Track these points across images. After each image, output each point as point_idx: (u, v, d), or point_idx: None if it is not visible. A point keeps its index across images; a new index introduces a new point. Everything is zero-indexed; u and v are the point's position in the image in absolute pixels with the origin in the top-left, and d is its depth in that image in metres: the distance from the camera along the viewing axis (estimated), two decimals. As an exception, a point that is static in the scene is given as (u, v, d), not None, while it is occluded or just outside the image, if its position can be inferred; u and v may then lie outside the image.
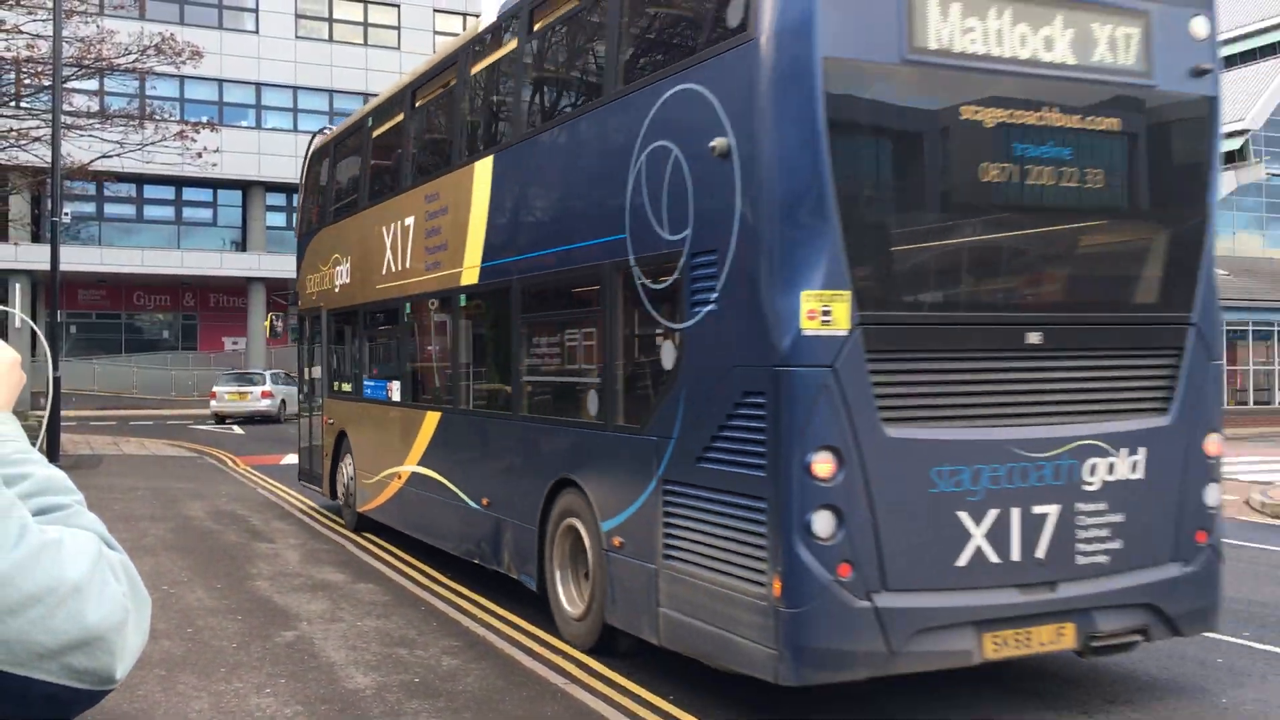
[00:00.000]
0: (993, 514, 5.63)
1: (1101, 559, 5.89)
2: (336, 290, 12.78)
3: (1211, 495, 6.27)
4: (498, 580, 9.31)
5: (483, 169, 8.75)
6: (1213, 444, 6.29)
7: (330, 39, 43.16)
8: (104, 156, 24.72)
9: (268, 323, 17.87)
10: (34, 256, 36.75)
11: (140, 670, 6.30)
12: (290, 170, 41.84)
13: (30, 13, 23.29)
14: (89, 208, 40.46)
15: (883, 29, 5.52)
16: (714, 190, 5.80)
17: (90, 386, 40.41)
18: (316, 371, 13.92)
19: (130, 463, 19.53)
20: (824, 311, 5.35)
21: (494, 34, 9.06)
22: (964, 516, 5.58)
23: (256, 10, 42.03)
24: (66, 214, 31.49)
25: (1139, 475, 6.02)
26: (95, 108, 26.94)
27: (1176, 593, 6.07)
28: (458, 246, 9.15)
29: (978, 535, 5.60)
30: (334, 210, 13.36)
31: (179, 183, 40.13)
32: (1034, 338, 5.90)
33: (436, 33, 44.41)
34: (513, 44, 8.61)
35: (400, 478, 10.60)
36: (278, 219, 42.54)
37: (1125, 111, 6.21)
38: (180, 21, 38.10)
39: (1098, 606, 5.87)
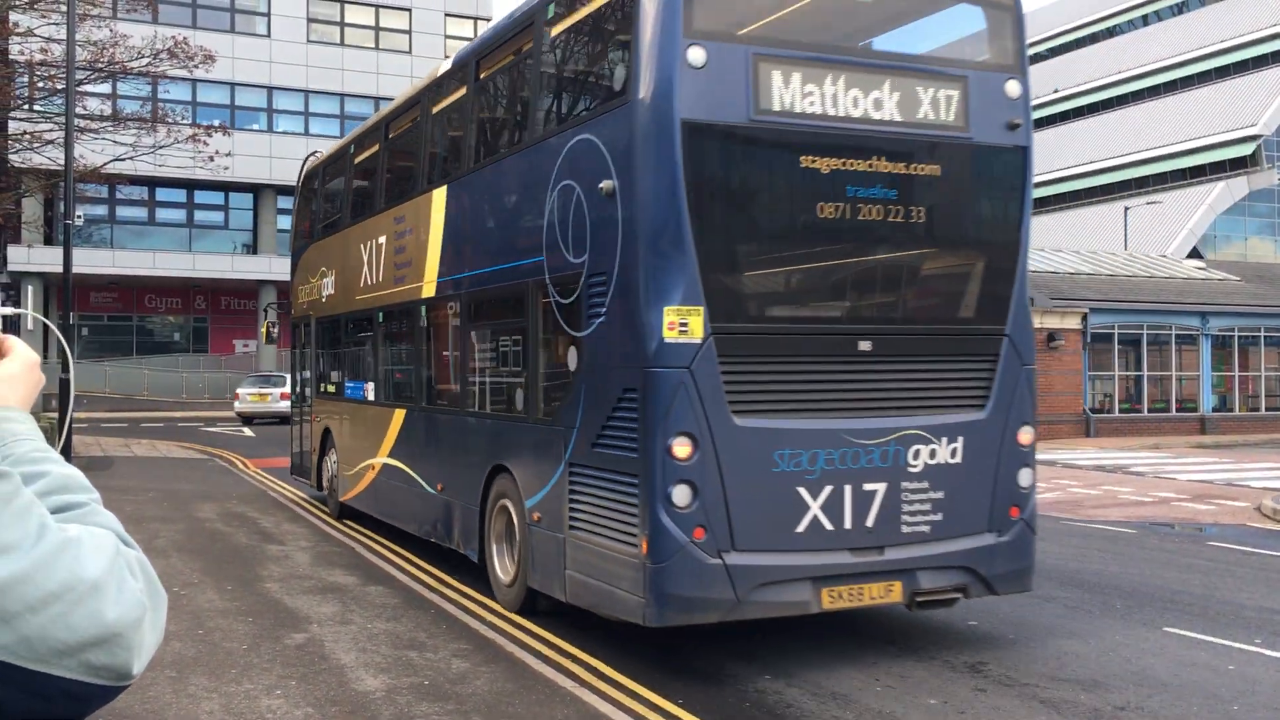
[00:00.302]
0: (828, 490, 6.81)
1: (924, 528, 7.07)
2: (323, 300, 14.14)
3: (1024, 477, 7.48)
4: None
5: (439, 196, 10.05)
6: (1025, 435, 7.51)
7: (341, 43, 43.30)
8: (116, 159, 24.84)
9: (264, 328, 19.09)
10: (46, 259, 36.91)
11: (151, 671, 6.32)
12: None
13: (44, 16, 23.42)
14: (101, 210, 40.63)
15: (734, 95, 6.73)
16: (604, 223, 7.00)
17: (101, 388, 40.56)
18: (309, 374, 15.17)
19: (141, 464, 19.60)
20: (682, 324, 6.57)
21: (449, 79, 10.30)
22: (802, 491, 6.76)
23: (268, 14, 42.18)
24: (79, 217, 31.63)
25: (958, 460, 7.23)
26: (108, 111, 27.07)
27: (992, 558, 7.28)
28: (419, 263, 10.47)
29: (815, 507, 6.78)
30: (322, 227, 14.70)
31: (190, 186, 40.28)
32: (864, 345, 7.15)
33: (448, 37, 44.51)
34: (463, 90, 9.94)
35: (374, 469, 11.89)
36: (289, 222, 42.64)
37: (946, 160, 7.42)
38: (193, 25, 38.25)
39: (921, 568, 7.05)
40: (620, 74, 7.20)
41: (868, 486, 6.93)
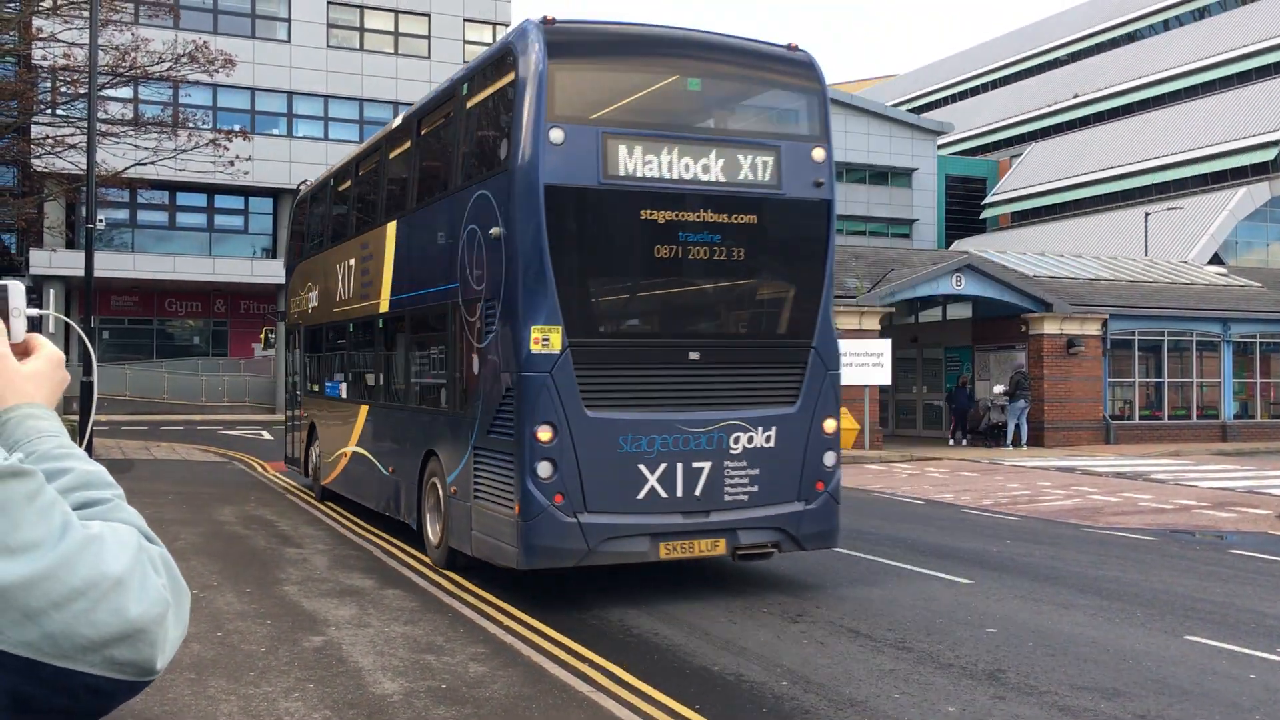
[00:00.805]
0: (663, 466, 8.77)
1: (743, 497, 9.03)
2: (309, 311, 16.32)
3: (829, 459, 9.42)
4: (522, 588, 9.37)
5: (391, 228, 12.14)
6: (829, 425, 9.48)
7: (361, 48, 43.46)
8: (138, 164, 24.99)
9: (263, 335, 21.23)
10: (68, 263, 37.14)
11: (170, 673, 6.34)
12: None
13: (66, 21, 23.58)
14: (122, 214, 40.88)
15: (587, 164, 8.73)
16: (495, 260, 9.02)
17: (122, 391, 40.77)
18: (298, 376, 17.38)
19: (161, 467, 19.69)
20: (544, 339, 8.54)
21: (399, 132, 12.49)
22: (642, 467, 8.71)
23: (289, 19, 42.38)
24: (101, 221, 31.83)
25: (771, 444, 9.15)
26: (129, 115, 27.23)
27: (800, 522, 9.24)
28: (378, 283, 12.55)
29: (652, 479, 8.73)
30: (310, 247, 16.70)
31: (211, 190, 40.48)
32: (694, 355, 9.18)
33: (467, 42, 44.61)
34: (408, 143, 12.11)
35: (346, 456, 14.03)
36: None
37: (762, 211, 9.36)
38: (214, 30, 38.45)
39: (741, 528, 9.01)
40: (504, 146, 9.16)
41: (696, 464, 8.91)
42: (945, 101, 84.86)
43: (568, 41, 9.24)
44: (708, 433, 8.95)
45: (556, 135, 8.63)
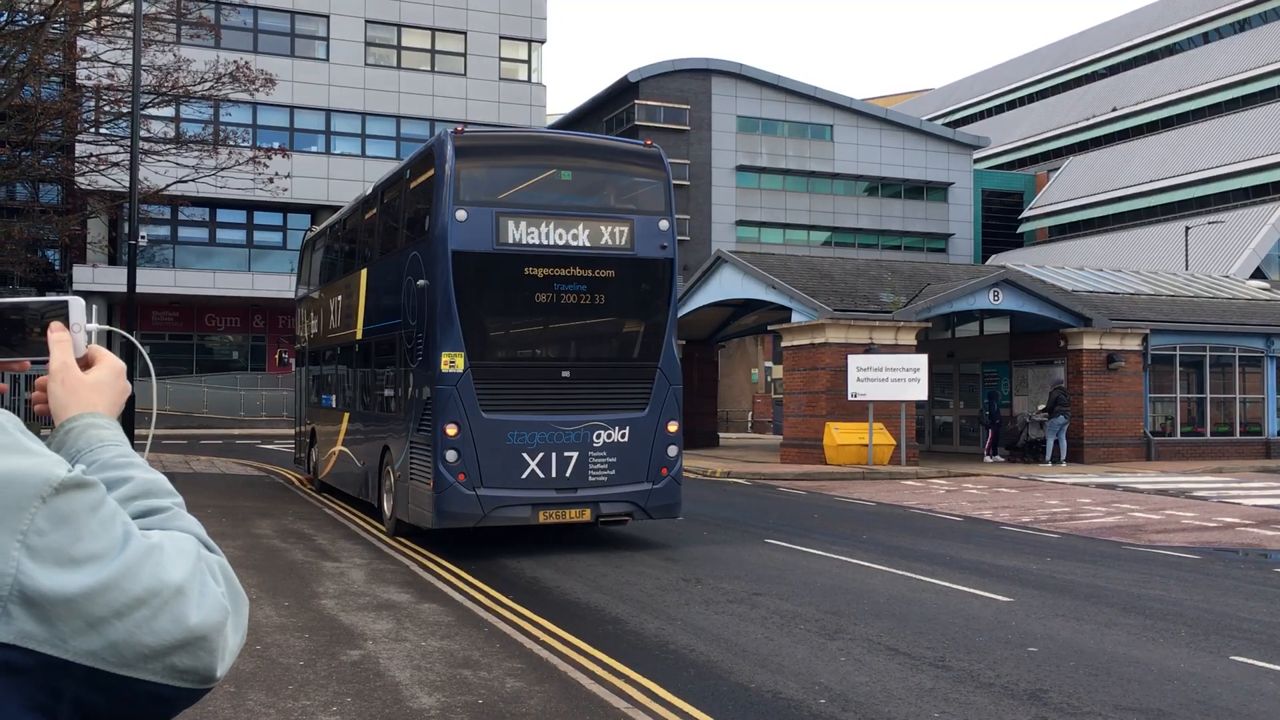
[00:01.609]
0: (541, 455, 11.93)
1: (604, 478, 12.17)
2: (311, 337, 19.95)
3: (671, 451, 12.54)
4: (559, 605, 9.37)
5: (364, 274, 15.64)
6: (672, 426, 12.60)
7: (398, 66, 43.88)
8: (179, 181, 25.31)
9: (277, 356, 25.57)
10: (110, 279, 37.66)
11: (210, 686, 6.38)
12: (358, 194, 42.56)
13: (110, 42, 23.96)
14: (164, 231, 41.42)
15: (484, 235, 11.95)
16: (422, 304, 12.25)
17: (162, 406, 41.25)
18: (304, 389, 20.99)
19: (200, 481, 19.88)
20: (451, 362, 11.78)
21: (370, 198, 15.90)
22: (525, 455, 11.88)
23: (327, 39, 42.86)
24: (143, 237, 32.27)
25: (626, 440, 12.30)
26: (171, 134, 27.61)
27: (648, 497, 12.40)
28: (355, 316, 15.92)
29: (533, 464, 11.91)
30: (312, 284, 20.19)
31: (250, 207, 40.96)
32: (565, 374, 12.47)
33: (502, 59, 44.94)
34: (374, 209, 15.59)
35: (335, 454, 17.29)
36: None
37: (619, 267, 12.57)
38: (254, 50, 38.95)
39: (602, 501, 12.21)
40: (428, 220, 12.41)
41: (567, 454, 12.06)
42: (981, 115, 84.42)
43: (472, 146, 12.60)
44: (576, 430, 12.19)
45: (461, 215, 11.95)
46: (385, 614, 8.73)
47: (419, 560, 11.63)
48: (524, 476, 11.85)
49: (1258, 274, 48.98)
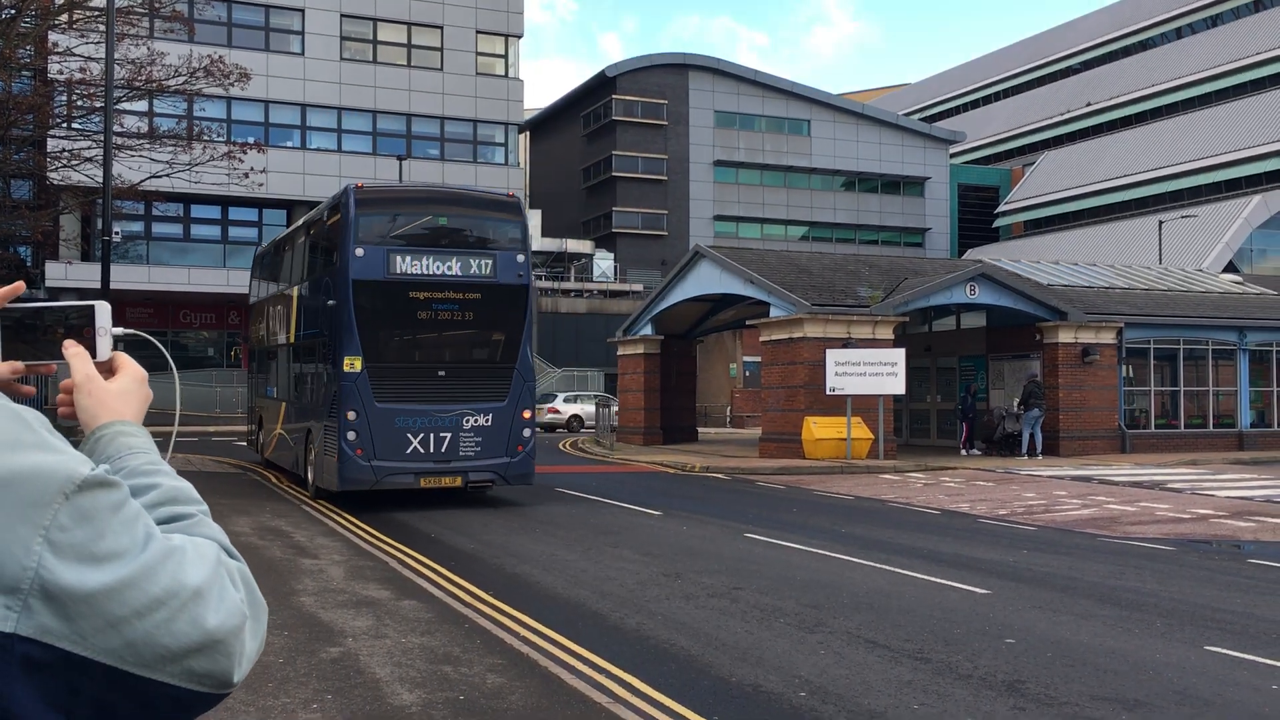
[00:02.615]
0: (421, 435, 15.44)
1: (472, 454, 15.68)
2: (259, 339, 23.53)
3: (526, 433, 16.08)
4: (540, 601, 9.38)
5: (296, 291, 18.95)
6: (526, 413, 16.21)
7: (374, 60, 43.66)
8: (153, 176, 25.10)
9: (234, 354, 29.09)
10: (83, 275, 37.32)
11: (189, 684, 6.34)
12: (334, 190, 42.31)
13: (82, 36, 23.72)
14: (138, 227, 41.09)
15: (378, 266, 15.45)
16: (331, 318, 15.80)
17: (137, 403, 40.92)
18: (254, 383, 24.81)
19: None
20: (351, 363, 15.28)
21: (300, 228, 19.42)
22: (410, 435, 15.41)
23: (302, 33, 42.59)
24: (117, 233, 32.00)
25: (489, 424, 15.78)
26: (145, 129, 27.37)
27: (508, 469, 15.98)
28: (289, 324, 19.51)
29: (415, 442, 15.41)
30: (261, 292, 23.70)
31: (225, 202, 40.69)
32: (441, 373, 15.91)
33: (479, 54, 44.77)
34: (304, 236, 18.87)
35: (275, 435, 20.77)
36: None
37: (484, 291, 15.97)
38: (228, 44, 38.67)
39: (470, 470, 15.75)
40: (336, 255, 16.08)
41: (442, 434, 15.66)
42: (958, 110, 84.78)
43: (370, 199, 16.44)
44: (449, 416, 15.77)
45: (360, 251, 15.57)
46: (365, 611, 8.70)
47: (398, 557, 11.60)
48: (408, 452, 15.61)
49: (1230, 268, 49.44)
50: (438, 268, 15.82)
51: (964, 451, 27.15)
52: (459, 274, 15.91)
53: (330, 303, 15.89)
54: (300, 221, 19.46)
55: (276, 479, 20.30)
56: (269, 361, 21.94)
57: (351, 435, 15.26)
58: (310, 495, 17.07)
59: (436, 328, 16.34)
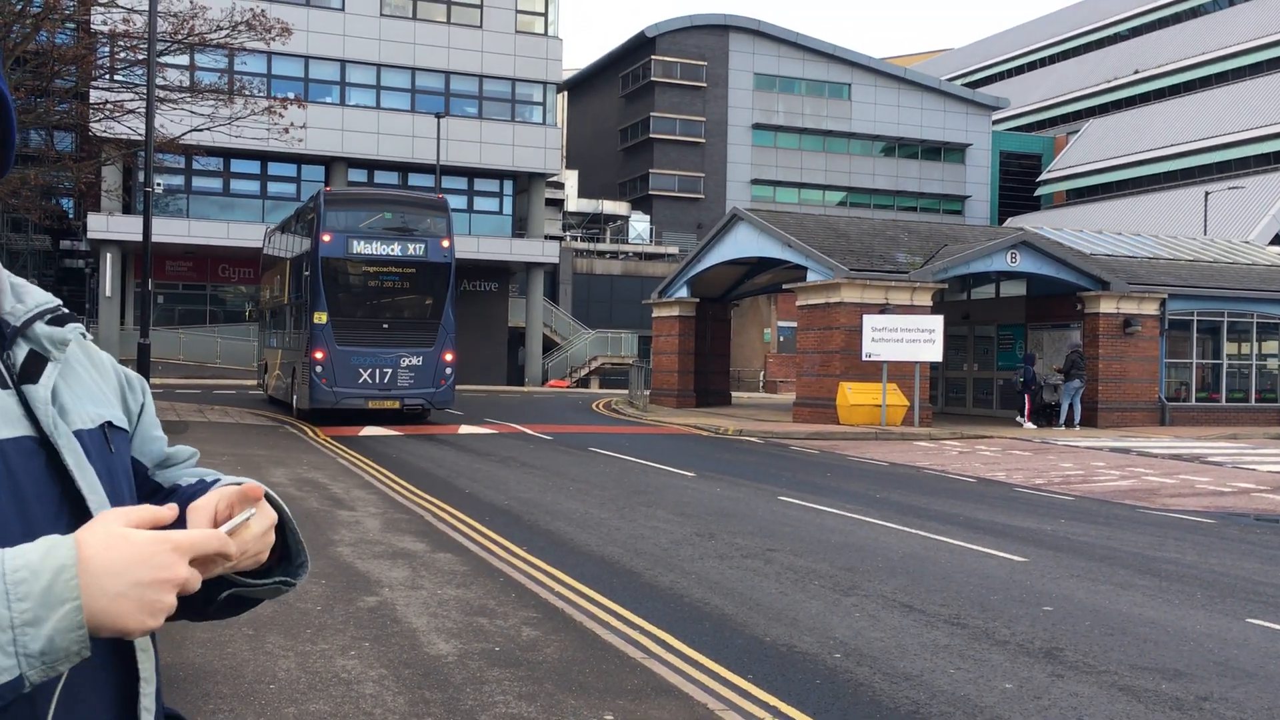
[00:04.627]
0: (370, 370, 22.25)
1: (407, 385, 22.49)
2: (266, 299, 29.95)
3: (447, 371, 22.85)
4: (573, 557, 9.41)
5: (289, 262, 25.46)
6: (448, 356, 22.89)
7: (414, 17, 43.48)
8: (194, 130, 25.19)
9: (248, 312, 34.78)
10: (125, 227, 37.64)
11: (229, 629, 6.41)
12: (373, 147, 42.30)
13: (126, -12, 23.70)
14: (178, 181, 41.32)
15: (340, 248, 22.36)
16: (306, 284, 22.75)
17: (176, 355, 41.38)
18: (264, 335, 31.04)
19: (215, 430, 19.97)
20: (320, 317, 21.98)
21: (295, 215, 25.68)
22: (361, 370, 22.18)
23: (343, -12, 42.42)
24: (158, 185, 32.17)
25: (420, 364, 22.60)
26: (186, 82, 27.44)
27: (434, 396, 22.82)
28: (285, 288, 25.81)
29: (365, 375, 22.21)
30: (268, 262, 29.99)
31: (265, 158, 40.81)
32: (385, 325, 22.71)
33: (519, 11, 44.49)
34: (294, 224, 25.54)
35: (275, 375, 26.87)
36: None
37: (418, 268, 22.92)
38: (269, -2, 38.53)
39: (406, 398, 22.55)
40: (310, 238, 22.60)
41: (385, 370, 22.19)
42: (1001, 76, 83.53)
43: (337, 199, 23.32)
44: (391, 356, 22.18)
45: (327, 237, 21.96)
46: (401, 562, 8.76)
47: (433, 511, 11.66)
48: (360, 382, 22.02)
49: (1277, 240, 48.56)
50: (384, 250, 22.38)
51: (1026, 424, 25.93)
52: (399, 254, 22.49)
53: (306, 273, 22.39)
54: (293, 212, 26.45)
55: (312, 432, 20.50)
56: (270, 319, 28.84)
57: (319, 369, 21.63)
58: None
59: (382, 293, 22.83)
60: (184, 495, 1.41)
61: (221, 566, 1.25)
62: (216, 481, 1.44)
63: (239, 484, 1.37)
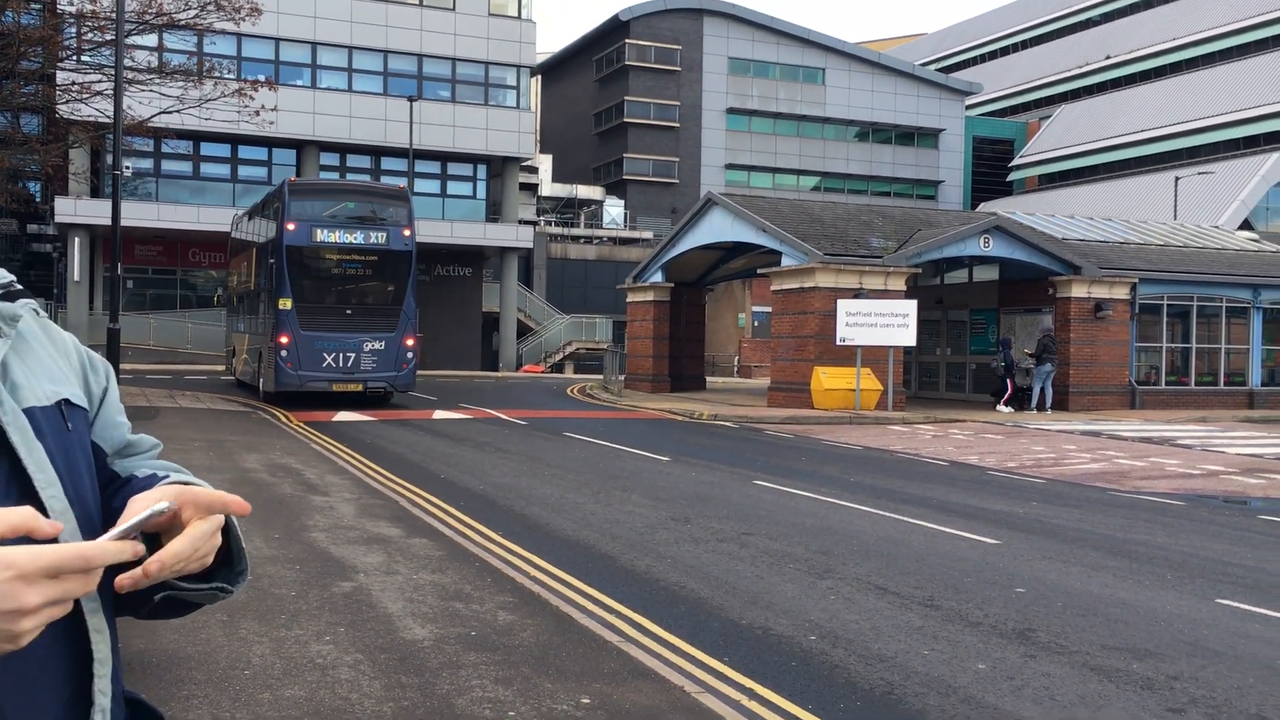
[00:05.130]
0: (334, 354, 22.45)
1: (370, 368, 22.74)
2: (234, 285, 30.28)
3: (409, 355, 23.34)
4: (549, 542, 9.40)
5: (255, 250, 26.09)
6: (409, 341, 23.13)
7: (386, -1, 43.09)
8: (164, 112, 24.91)
9: (216, 297, 35.35)
10: (93, 211, 37.20)
11: (202, 615, 6.36)
12: (345, 130, 41.97)
13: (93, -33, 23.37)
14: (147, 164, 40.86)
15: (304, 236, 22.54)
16: (273, 271, 22.94)
17: (146, 341, 40.99)
18: (232, 320, 31.23)
19: (186, 415, 19.81)
20: (285, 303, 22.24)
21: (260, 204, 26.36)
22: (326, 354, 22.42)
23: (314, -31, 41.99)
24: (127, 168, 31.81)
25: (383, 348, 22.77)
26: (155, 64, 27.12)
27: (396, 380, 23.08)
28: (251, 274, 26.61)
29: (329, 359, 22.42)
30: (235, 248, 30.66)
31: (235, 141, 40.42)
32: (348, 311, 22.96)
33: (492, -6, 44.15)
34: (260, 212, 26.00)
35: (242, 359, 27.25)
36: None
37: (380, 255, 23.25)
38: (239, -21, 38.07)
39: (369, 381, 22.79)
40: (275, 226, 22.90)
41: (349, 354, 22.43)
42: (975, 61, 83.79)
43: (300, 189, 23.92)
44: (354, 341, 22.42)
45: (291, 226, 22.22)
46: (376, 547, 8.72)
47: (408, 496, 11.63)
48: (324, 366, 22.30)
49: (1246, 225, 49.05)
50: (347, 238, 22.80)
51: (1005, 408, 25.80)
52: (361, 242, 22.88)
53: (271, 261, 22.74)
54: (260, 200, 26.39)
55: (285, 417, 20.37)
56: (237, 305, 29.17)
57: (284, 353, 22.01)
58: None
59: (345, 280, 23.28)
60: (135, 488, 1.36)
61: (171, 570, 1.22)
62: (166, 478, 1.40)
63: (187, 483, 1.33)
